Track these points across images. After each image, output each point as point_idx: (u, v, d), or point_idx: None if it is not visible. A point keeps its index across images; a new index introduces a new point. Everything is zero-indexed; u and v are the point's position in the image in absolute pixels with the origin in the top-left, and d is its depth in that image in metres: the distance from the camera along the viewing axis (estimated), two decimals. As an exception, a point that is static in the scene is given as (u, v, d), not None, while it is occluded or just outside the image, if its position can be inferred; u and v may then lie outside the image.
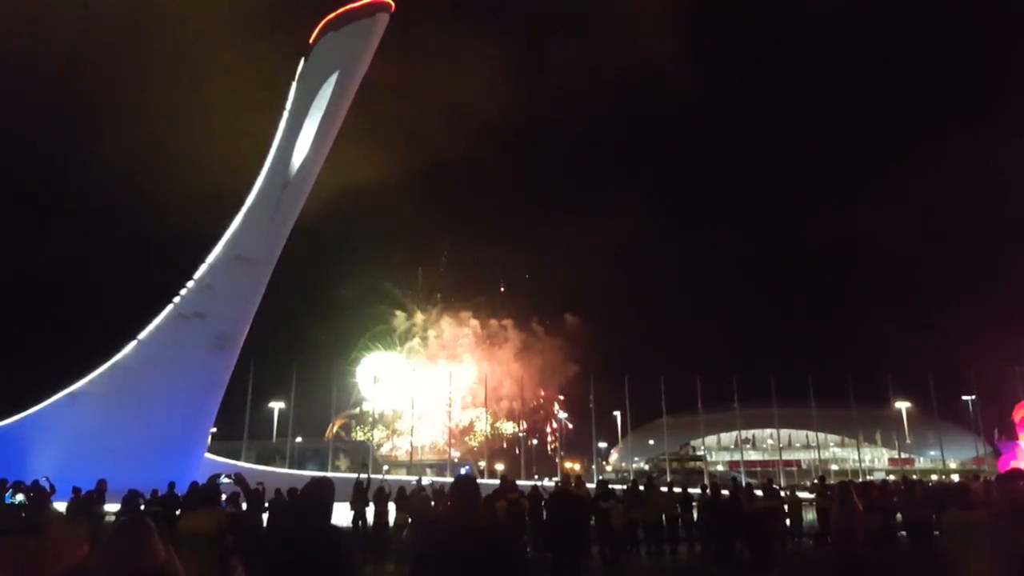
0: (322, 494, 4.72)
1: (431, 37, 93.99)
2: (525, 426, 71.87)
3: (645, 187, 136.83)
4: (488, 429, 72.26)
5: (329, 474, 41.12)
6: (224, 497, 11.57)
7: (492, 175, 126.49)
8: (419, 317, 77.80)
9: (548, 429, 78.04)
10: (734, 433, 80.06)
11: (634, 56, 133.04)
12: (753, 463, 77.60)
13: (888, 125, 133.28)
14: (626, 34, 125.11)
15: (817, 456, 71.32)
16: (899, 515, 19.29)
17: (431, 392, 70.75)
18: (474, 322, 77.20)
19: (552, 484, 20.22)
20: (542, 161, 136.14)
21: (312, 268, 79.94)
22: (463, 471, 58.26)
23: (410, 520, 18.45)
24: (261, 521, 15.31)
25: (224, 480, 11.22)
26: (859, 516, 8.68)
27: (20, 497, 16.12)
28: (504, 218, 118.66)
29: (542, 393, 75.27)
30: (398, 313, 77.23)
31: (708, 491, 19.74)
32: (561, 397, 70.37)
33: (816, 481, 27.50)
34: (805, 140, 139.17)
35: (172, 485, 17.79)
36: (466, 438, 73.20)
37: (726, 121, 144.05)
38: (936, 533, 17.06)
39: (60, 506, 16.01)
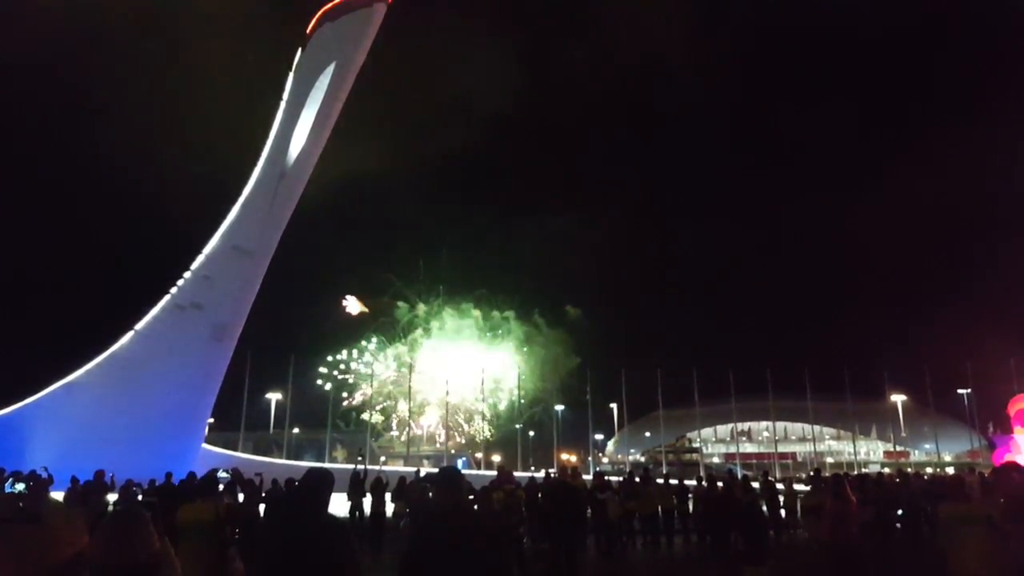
0: (320, 485, 4.75)
1: (435, 28, 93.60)
2: (524, 418, 71.99)
3: (645, 181, 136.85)
4: (488, 433, 72.38)
5: (326, 465, 41.30)
6: (221, 487, 11.61)
7: (494, 167, 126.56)
8: (421, 308, 77.79)
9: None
10: (730, 425, 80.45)
11: (638, 50, 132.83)
12: (749, 455, 77.94)
13: (885, 121, 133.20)
14: (630, 29, 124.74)
15: (813, 449, 71.64)
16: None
17: (431, 383, 70.85)
18: (476, 313, 77.22)
19: (541, 475, 20.25)
20: (544, 153, 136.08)
21: (312, 259, 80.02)
22: (459, 462, 58.45)
23: (408, 511, 18.51)
24: (258, 512, 15.35)
25: (221, 475, 11.26)
26: (852, 508, 8.74)
27: (20, 486, 16.13)
28: (506, 210, 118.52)
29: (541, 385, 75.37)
30: (400, 304, 77.24)
31: (704, 483, 19.85)
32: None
33: (811, 474, 27.67)
34: (803, 136, 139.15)
35: (169, 475, 17.80)
36: (469, 436, 73.28)
37: (725, 117, 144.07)
38: (930, 526, 17.21)
39: (58, 495, 16.05)
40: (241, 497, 13.42)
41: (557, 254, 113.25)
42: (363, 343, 74.51)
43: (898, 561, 14.69)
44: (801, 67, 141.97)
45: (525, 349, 76.24)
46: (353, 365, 73.98)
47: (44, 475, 18.39)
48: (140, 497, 15.79)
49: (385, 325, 76.25)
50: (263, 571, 4.62)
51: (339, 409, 69.67)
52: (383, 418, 73.70)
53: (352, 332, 75.19)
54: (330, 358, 71.02)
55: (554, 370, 71.89)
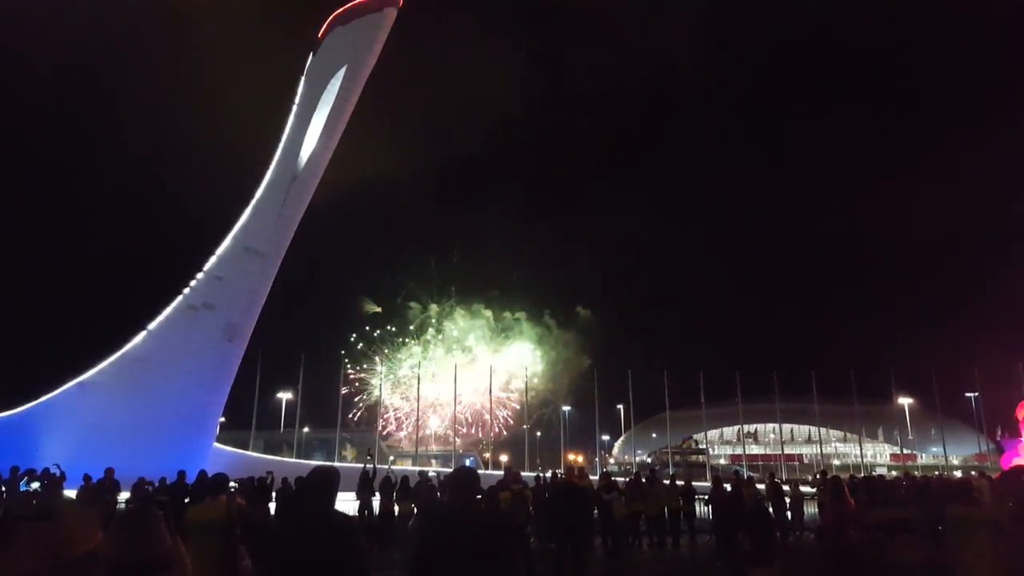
0: (326, 482, 4.83)
1: (447, 32, 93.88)
2: (532, 418, 72.09)
3: (654, 184, 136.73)
4: (492, 436, 72.57)
5: (335, 463, 41.53)
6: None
7: (506, 169, 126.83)
8: (433, 309, 78.00)
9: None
10: (736, 427, 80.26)
11: (648, 54, 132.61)
12: (755, 457, 77.75)
13: (893, 123, 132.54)
14: (641, 34, 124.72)
15: (819, 451, 71.44)
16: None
17: (441, 384, 70.97)
18: (487, 313, 77.36)
19: (546, 476, 20.36)
20: (556, 156, 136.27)
21: (324, 259, 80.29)
22: (467, 462, 58.62)
23: (415, 510, 18.66)
24: (268, 511, 15.54)
25: (232, 486, 11.43)
26: (850, 509, 8.83)
27: (35, 485, 16.39)
28: (518, 212, 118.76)
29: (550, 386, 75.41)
30: (412, 305, 77.44)
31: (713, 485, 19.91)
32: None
33: (818, 475, 27.71)
34: (811, 140, 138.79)
35: (182, 474, 18.03)
36: (480, 441, 73.33)
37: (734, 121, 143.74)
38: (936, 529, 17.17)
39: (70, 493, 16.32)
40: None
41: (567, 256, 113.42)
42: (376, 338, 74.75)
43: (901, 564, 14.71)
44: (810, 69, 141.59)
45: (536, 351, 76.40)
46: (365, 365, 74.31)
47: (57, 473, 18.68)
48: (151, 494, 16.04)
49: (397, 325, 76.55)
50: (272, 570, 4.72)
51: (350, 409, 70.03)
52: (393, 418, 73.97)
53: (364, 332, 75.56)
54: (343, 355, 71.29)
55: (564, 371, 71.93)
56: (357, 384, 73.39)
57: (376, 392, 70.96)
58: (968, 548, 7.06)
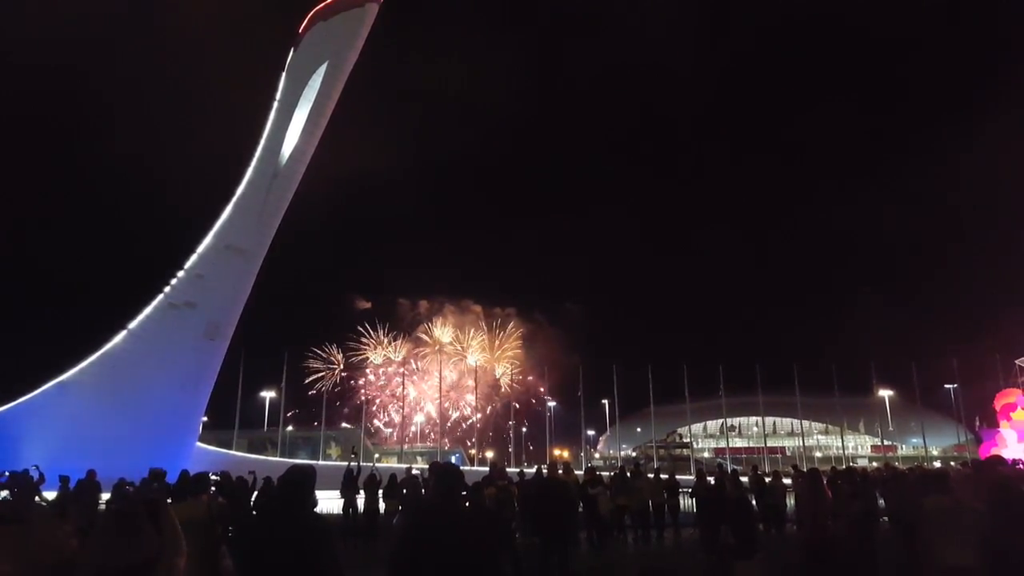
0: (302, 479, 4.75)
1: (437, 28, 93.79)
2: (517, 415, 72.07)
3: (640, 182, 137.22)
4: (477, 432, 72.60)
5: (320, 462, 41.37)
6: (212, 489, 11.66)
7: (497, 165, 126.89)
8: (423, 305, 77.86)
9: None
10: (720, 421, 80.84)
11: (640, 51, 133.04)
12: (739, 450, 78.32)
13: (876, 119, 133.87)
14: (634, 31, 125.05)
15: (801, 443, 72.10)
16: (881, 502, 19.51)
17: (428, 380, 70.86)
18: (477, 308, 77.39)
19: (531, 471, 20.39)
20: (545, 153, 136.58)
21: (310, 256, 79.91)
22: (453, 459, 58.56)
23: (400, 508, 18.62)
24: (250, 508, 15.45)
25: (212, 477, 11.32)
26: (827, 501, 8.90)
27: (3, 493, 15.97)
28: (508, 208, 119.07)
29: (541, 390, 75.46)
30: (402, 301, 77.27)
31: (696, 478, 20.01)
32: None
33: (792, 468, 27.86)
34: (793, 136, 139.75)
35: (163, 473, 17.81)
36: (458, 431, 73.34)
37: (719, 120, 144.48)
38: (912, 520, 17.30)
39: (50, 495, 16.10)
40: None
41: (556, 252, 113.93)
42: (364, 334, 74.46)
43: (877, 552, 14.86)
44: (796, 69, 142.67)
45: (524, 347, 76.48)
46: (351, 361, 73.99)
47: (35, 474, 18.36)
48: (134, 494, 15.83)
49: (387, 321, 76.32)
50: (244, 569, 4.63)
51: (334, 407, 69.72)
52: (378, 415, 73.72)
53: (351, 329, 75.24)
54: (326, 354, 71.03)
55: (551, 368, 72.15)
56: (342, 381, 73.10)
57: (362, 389, 70.71)
58: (945, 539, 7.09)
